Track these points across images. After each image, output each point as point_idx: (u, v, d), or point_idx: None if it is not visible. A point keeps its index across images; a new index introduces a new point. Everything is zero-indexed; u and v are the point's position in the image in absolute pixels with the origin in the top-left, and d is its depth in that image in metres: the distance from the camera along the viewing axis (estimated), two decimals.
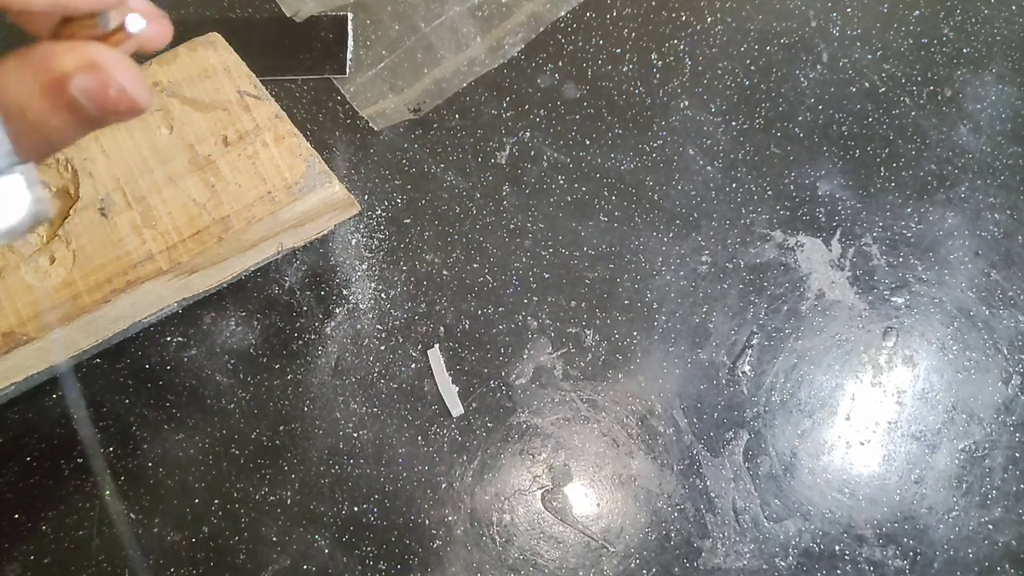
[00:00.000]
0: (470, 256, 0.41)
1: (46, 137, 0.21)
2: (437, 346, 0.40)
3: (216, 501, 0.38)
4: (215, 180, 0.35)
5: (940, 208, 0.41)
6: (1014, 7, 0.43)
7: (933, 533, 0.38)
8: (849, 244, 0.41)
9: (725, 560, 0.38)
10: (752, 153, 0.42)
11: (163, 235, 0.35)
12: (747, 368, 0.40)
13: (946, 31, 0.43)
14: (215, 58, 0.37)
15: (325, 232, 0.40)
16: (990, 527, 0.38)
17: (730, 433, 0.39)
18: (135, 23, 0.21)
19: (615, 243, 0.41)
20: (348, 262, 0.41)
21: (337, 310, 0.40)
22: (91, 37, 0.21)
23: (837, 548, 0.38)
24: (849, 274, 0.40)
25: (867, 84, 0.42)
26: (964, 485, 0.38)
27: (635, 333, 0.40)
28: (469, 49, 0.43)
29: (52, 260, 0.34)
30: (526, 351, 0.40)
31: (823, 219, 0.41)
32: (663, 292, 0.40)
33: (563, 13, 0.43)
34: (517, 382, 0.40)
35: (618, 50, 0.43)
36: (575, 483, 0.39)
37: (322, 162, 0.37)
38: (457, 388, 0.39)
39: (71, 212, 0.35)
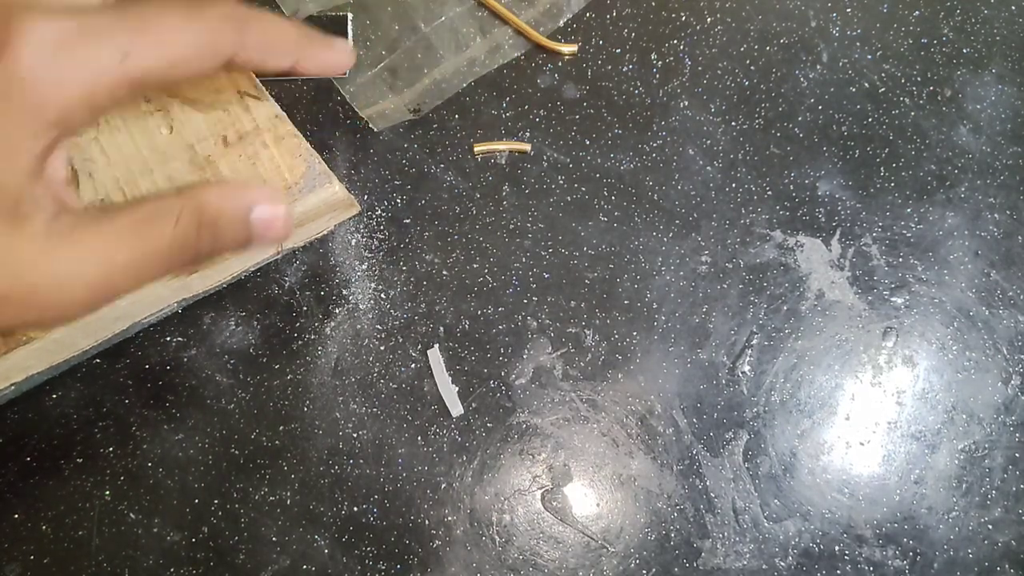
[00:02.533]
0: (470, 256, 0.41)
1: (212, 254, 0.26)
2: (437, 346, 0.40)
3: (216, 501, 0.38)
4: (215, 181, 0.35)
5: (940, 208, 0.41)
6: (1014, 7, 0.43)
7: (933, 533, 0.38)
8: (849, 244, 0.41)
9: (725, 560, 0.38)
10: (752, 153, 0.42)
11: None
12: (747, 368, 0.40)
13: (946, 31, 0.43)
14: None
15: (325, 232, 0.40)
16: (990, 527, 0.38)
17: (730, 433, 0.39)
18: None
19: (615, 243, 0.41)
20: (348, 262, 0.41)
21: (337, 310, 0.40)
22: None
23: (837, 548, 0.38)
24: (849, 274, 0.40)
25: (867, 84, 0.42)
26: (964, 485, 0.38)
27: (635, 333, 0.40)
28: (469, 49, 0.43)
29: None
30: (526, 351, 0.40)
31: (823, 219, 0.41)
32: (663, 292, 0.40)
33: (562, 23, 0.43)
34: (517, 382, 0.40)
35: (618, 50, 0.43)
36: (575, 483, 0.39)
37: (322, 162, 0.36)
38: (457, 388, 0.39)
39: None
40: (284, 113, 0.37)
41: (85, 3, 0.23)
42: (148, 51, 0.23)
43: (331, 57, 0.32)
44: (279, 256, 0.40)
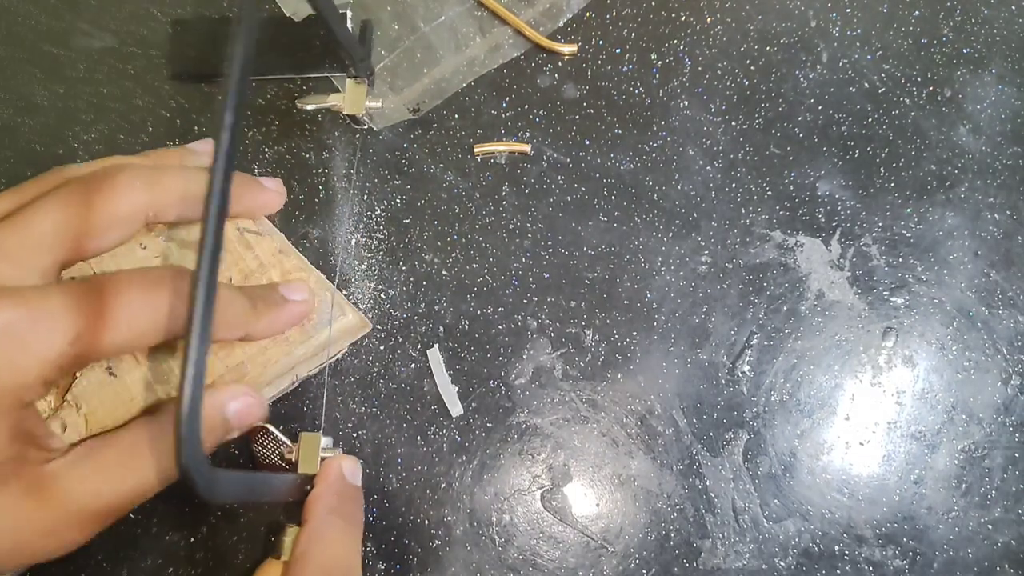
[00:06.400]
0: (470, 256, 0.41)
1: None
2: (437, 346, 0.40)
3: None
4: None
5: (940, 208, 0.41)
6: (1014, 7, 0.43)
7: (933, 533, 0.38)
8: (849, 244, 0.41)
9: (724, 560, 0.38)
10: (752, 153, 0.42)
11: (176, 389, 0.31)
12: (747, 368, 0.40)
13: (946, 31, 0.43)
14: None
15: (339, 356, 0.39)
16: (990, 527, 0.38)
17: (730, 433, 0.39)
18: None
19: (615, 243, 0.41)
20: (348, 262, 0.41)
21: None
22: None
23: (837, 548, 0.38)
24: (849, 274, 0.40)
25: (867, 84, 0.42)
26: (964, 485, 0.38)
27: (635, 333, 0.40)
28: (469, 49, 0.43)
29: (64, 427, 0.30)
30: (525, 351, 0.40)
31: (823, 219, 0.41)
32: (663, 292, 0.40)
33: (562, 23, 0.43)
34: (517, 382, 0.40)
35: (618, 50, 0.43)
36: (575, 483, 0.39)
37: (336, 291, 0.36)
38: (457, 388, 0.39)
39: (77, 375, 0.31)
40: (289, 245, 0.35)
41: (25, 281, 0.24)
42: (99, 333, 0.24)
43: (260, 198, 0.33)
44: (295, 386, 0.38)
